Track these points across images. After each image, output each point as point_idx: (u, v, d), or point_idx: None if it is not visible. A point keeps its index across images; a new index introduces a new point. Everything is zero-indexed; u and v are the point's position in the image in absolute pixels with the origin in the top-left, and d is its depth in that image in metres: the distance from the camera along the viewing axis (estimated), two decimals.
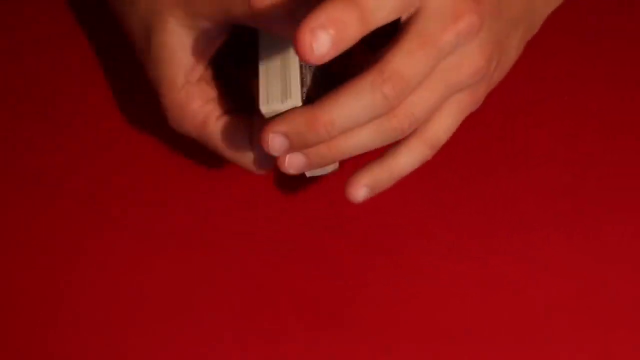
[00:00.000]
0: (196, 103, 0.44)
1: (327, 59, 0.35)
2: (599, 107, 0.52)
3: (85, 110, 0.52)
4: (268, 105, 0.40)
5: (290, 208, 0.50)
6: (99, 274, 0.48)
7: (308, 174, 0.44)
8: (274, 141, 0.39)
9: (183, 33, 0.43)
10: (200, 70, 0.44)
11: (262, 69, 0.41)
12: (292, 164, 0.41)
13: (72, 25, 0.55)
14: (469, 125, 0.52)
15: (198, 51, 0.43)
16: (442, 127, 0.42)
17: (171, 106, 0.44)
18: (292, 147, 0.39)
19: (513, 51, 0.45)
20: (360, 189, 0.42)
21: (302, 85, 0.40)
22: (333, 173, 0.44)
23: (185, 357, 0.46)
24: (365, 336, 0.47)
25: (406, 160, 0.42)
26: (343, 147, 0.40)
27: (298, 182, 0.50)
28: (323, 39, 0.34)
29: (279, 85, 0.40)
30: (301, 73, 0.41)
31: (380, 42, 0.43)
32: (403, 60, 0.38)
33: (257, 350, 0.46)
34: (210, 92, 0.45)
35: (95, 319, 0.47)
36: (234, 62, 0.48)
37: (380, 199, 0.50)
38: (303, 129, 0.38)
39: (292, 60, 0.41)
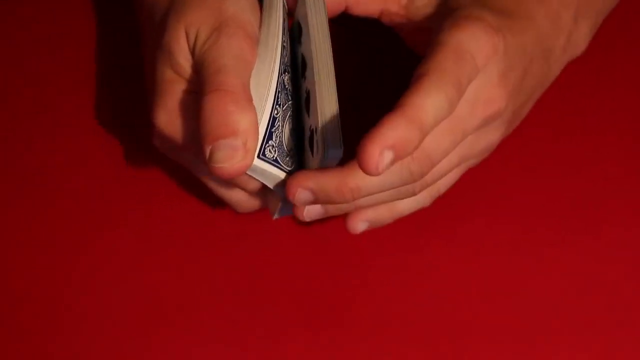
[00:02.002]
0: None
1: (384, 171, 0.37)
2: (600, 107, 0.52)
3: (85, 110, 0.52)
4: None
5: None
6: (99, 275, 0.48)
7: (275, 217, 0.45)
8: (301, 195, 0.40)
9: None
10: None
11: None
12: (310, 214, 0.42)
13: (72, 25, 0.55)
14: None
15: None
16: (445, 182, 0.45)
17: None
18: (316, 202, 0.41)
19: (524, 113, 0.47)
20: (361, 223, 0.44)
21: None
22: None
23: (185, 356, 0.46)
24: (365, 336, 0.47)
25: (407, 205, 0.45)
26: (361, 203, 0.42)
27: None
28: (387, 157, 0.37)
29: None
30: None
31: None
32: (432, 141, 0.40)
33: (257, 350, 0.46)
34: None
35: (95, 319, 0.47)
36: None
37: None
38: (331, 190, 0.40)
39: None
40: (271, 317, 0.47)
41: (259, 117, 0.40)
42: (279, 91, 0.42)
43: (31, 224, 0.49)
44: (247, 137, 0.38)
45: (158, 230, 0.49)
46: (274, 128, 0.41)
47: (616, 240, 0.48)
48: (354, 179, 0.39)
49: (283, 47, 0.43)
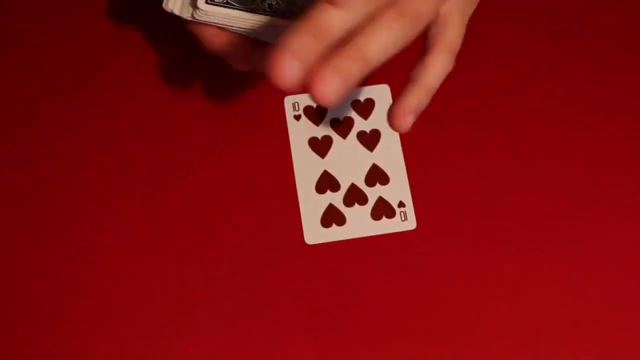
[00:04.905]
0: None
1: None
2: (600, 107, 0.52)
3: (84, 111, 0.52)
4: None
5: (291, 208, 0.50)
6: (99, 275, 0.48)
7: None
8: (288, 68, 0.35)
9: None
10: None
11: None
12: (329, 86, 0.36)
13: (74, 24, 0.55)
14: (470, 126, 0.51)
15: None
16: (456, 32, 0.43)
17: None
18: (302, 60, 0.35)
19: None
20: (408, 117, 0.42)
21: None
22: None
23: (186, 356, 0.46)
24: (365, 336, 0.47)
25: (434, 74, 0.42)
26: (367, 51, 0.37)
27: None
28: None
29: None
30: None
31: None
32: None
33: (257, 350, 0.46)
34: None
35: (95, 319, 0.47)
36: None
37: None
38: (305, 31, 0.35)
39: None
40: (271, 317, 0.47)
41: None
42: None
43: (30, 222, 0.50)
44: None
45: (159, 230, 0.49)
46: None
47: (616, 240, 0.48)
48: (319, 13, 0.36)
49: None
